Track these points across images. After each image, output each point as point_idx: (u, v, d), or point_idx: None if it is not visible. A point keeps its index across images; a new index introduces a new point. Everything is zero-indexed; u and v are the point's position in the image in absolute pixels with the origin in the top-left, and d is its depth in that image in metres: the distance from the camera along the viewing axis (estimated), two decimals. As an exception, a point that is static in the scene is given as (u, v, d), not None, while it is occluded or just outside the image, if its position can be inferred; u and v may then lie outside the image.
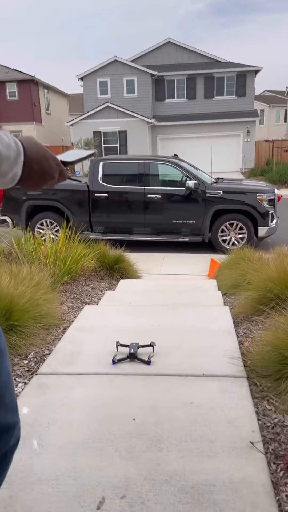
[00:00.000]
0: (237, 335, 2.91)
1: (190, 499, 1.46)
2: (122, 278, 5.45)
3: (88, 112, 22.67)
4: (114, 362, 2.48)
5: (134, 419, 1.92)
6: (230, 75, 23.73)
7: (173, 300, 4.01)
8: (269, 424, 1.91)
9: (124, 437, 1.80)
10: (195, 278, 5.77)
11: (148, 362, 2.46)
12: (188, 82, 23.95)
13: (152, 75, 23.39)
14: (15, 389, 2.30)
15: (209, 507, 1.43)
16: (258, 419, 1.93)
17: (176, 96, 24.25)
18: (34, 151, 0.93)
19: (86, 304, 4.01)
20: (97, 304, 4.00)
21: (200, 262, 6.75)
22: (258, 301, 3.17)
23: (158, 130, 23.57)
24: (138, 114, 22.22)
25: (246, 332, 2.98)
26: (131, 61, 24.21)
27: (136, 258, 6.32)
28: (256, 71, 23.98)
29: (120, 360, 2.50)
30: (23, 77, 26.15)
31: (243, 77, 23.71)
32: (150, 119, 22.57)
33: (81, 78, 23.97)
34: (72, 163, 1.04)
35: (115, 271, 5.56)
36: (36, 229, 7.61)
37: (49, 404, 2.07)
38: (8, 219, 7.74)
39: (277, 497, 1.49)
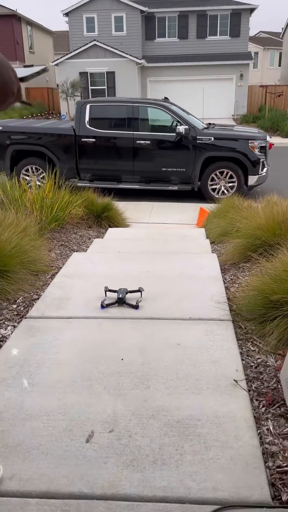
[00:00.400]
0: (224, 281, 2.95)
1: (176, 432, 1.53)
2: (110, 227, 5.41)
3: (74, 51, 21.38)
4: (102, 307, 2.51)
5: (122, 359, 1.97)
6: (224, 13, 22.36)
7: (161, 248, 4.00)
8: (252, 364, 1.98)
9: (112, 376, 1.85)
10: (184, 227, 5.76)
11: (136, 307, 2.49)
12: (180, 20, 22.53)
13: (142, 11, 21.90)
14: (4, 332, 2.32)
15: (194, 439, 1.50)
16: (242, 359, 1.99)
17: (167, 35, 22.89)
18: None
19: (74, 251, 3.99)
20: (85, 252, 3.98)
21: (189, 211, 6.71)
22: (246, 248, 3.18)
23: (148, 72, 22.48)
24: (127, 53, 21.04)
25: (233, 278, 3.02)
26: (120, -6, 22.53)
27: (125, 207, 6.25)
28: (252, 10, 22.60)
29: (108, 305, 2.52)
30: (5, 11, 24.26)
31: (238, 15, 22.37)
32: (140, 59, 21.42)
33: (66, 14, 22.36)
34: (26, 78, 0.94)
35: (103, 220, 5.50)
36: (21, 176, 7.39)
37: (38, 346, 2.10)
38: (-8, 165, 7.48)
39: (258, 431, 1.57)
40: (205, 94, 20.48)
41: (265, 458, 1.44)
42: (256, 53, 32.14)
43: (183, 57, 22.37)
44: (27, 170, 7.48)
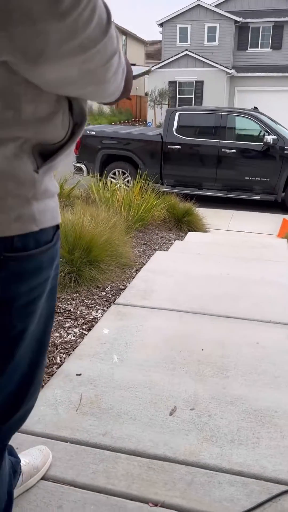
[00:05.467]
0: (306, 290, 2.95)
1: (253, 419, 1.63)
2: (190, 231, 5.55)
3: (165, 60, 21.93)
4: None
5: (202, 350, 2.10)
6: None
7: (241, 254, 4.06)
8: None
9: (193, 363, 1.99)
10: (264, 237, 5.72)
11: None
12: (274, 30, 22.11)
13: (236, 21, 21.88)
14: (96, 314, 2.56)
15: (270, 428, 1.58)
16: None
17: (259, 46, 22.58)
18: (125, 59, 0.76)
19: (155, 250, 4.19)
20: (166, 251, 4.17)
21: (271, 221, 6.62)
22: None
23: (236, 82, 22.32)
24: (217, 63, 21.12)
25: (316, 289, 3.00)
26: (215, 6, 22.72)
27: (204, 213, 6.35)
28: None
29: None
30: (102, 22, 25.65)
31: None
32: (230, 69, 21.37)
33: (161, 24, 23.04)
34: (135, 77, 1.09)
35: (183, 224, 5.67)
36: (108, 178, 7.82)
37: (126, 329, 2.30)
38: (83, 166, 8.01)
39: None
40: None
41: None
42: None
43: (275, 67, 21.88)
44: (114, 174, 7.90)
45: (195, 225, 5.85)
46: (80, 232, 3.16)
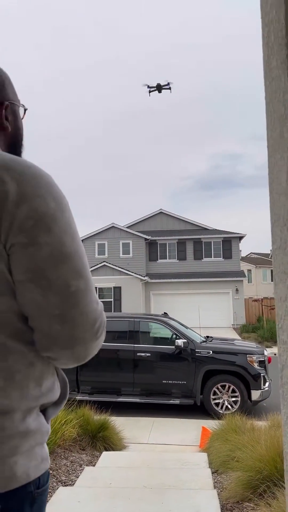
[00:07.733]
0: (225, 530, 2.56)
1: None
2: (106, 449, 5.02)
3: (85, 269, 24.04)
4: None
5: None
6: (217, 240, 26.07)
7: (157, 479, 3.62)
8: None
9: None
10: (185, 450, 5.32)
11: None
12: (178, 245, 26.15)
13: (146, 239, 25.66)
14: None
15: None
16: None
17: (168, 257, 26.16)
18: None
19: (61, 483, 3.61)
20: (73, 484, 3.60)
21: (192, 429, 6.30)
22: (247, 484, 2.87)
23: (151, 286, 24.70)
24: (133, 272, 23.61)
25: (236, 526, 2.63)
26: (127, 227, 26.84)
27: (123, 424, 5.91)
28: (241, 237, 26.40)
29: None
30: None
31: (229, 242, 26.01)
32: (144, 276, 23.87)
33: (82, 241, 26.15)
34: None
35: (99, 440, 5.14)
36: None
37: None
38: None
39: None
40: (205, 306, 21.91)
41: None
42: (249, 270, 35.80)
43: (182, 274, 24.96)
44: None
45: (111, 441, 5.33)
46: None
